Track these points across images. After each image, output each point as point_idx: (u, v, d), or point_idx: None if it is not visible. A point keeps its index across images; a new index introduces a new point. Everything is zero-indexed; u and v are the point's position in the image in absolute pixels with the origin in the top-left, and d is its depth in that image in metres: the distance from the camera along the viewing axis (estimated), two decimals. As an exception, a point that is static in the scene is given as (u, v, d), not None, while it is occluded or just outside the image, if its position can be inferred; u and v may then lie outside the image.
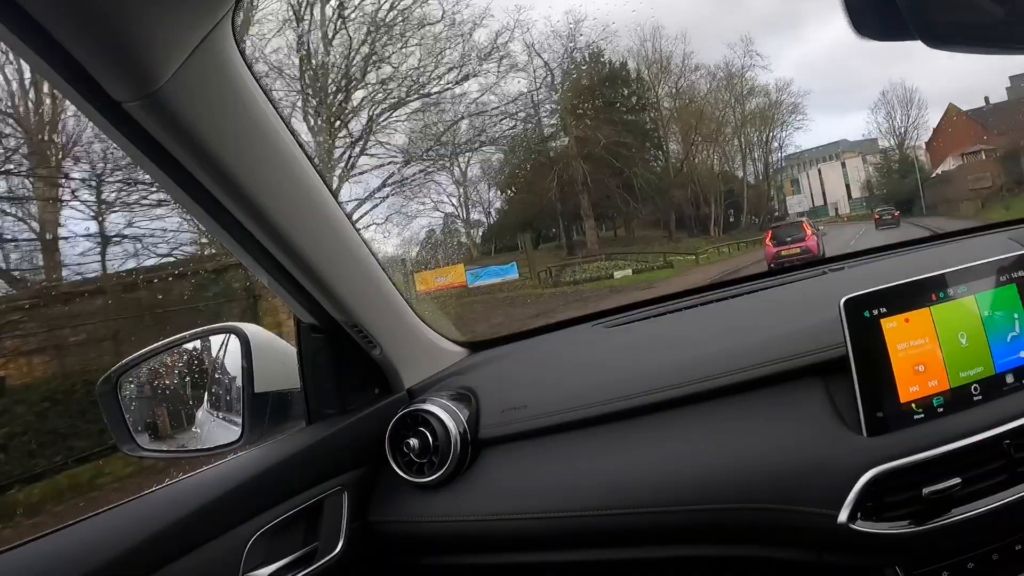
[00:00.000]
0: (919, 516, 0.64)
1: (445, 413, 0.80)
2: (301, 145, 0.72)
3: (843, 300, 0.68)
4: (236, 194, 0.64)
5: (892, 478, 0.64)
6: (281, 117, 0.68)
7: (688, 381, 0.76)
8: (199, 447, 0.94)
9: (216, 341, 0.91)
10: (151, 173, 0.62)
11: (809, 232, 9.71)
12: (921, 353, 0.69)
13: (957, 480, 0.64)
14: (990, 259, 0.75)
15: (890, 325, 0.69)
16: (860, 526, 0.63)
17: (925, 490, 0.63)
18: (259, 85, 0.64)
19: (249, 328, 0.87)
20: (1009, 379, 0.71)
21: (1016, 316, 0.73)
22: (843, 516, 0.64)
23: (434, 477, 0.78)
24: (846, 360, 0.68)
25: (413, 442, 0.79)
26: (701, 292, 1.11)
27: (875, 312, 0.69)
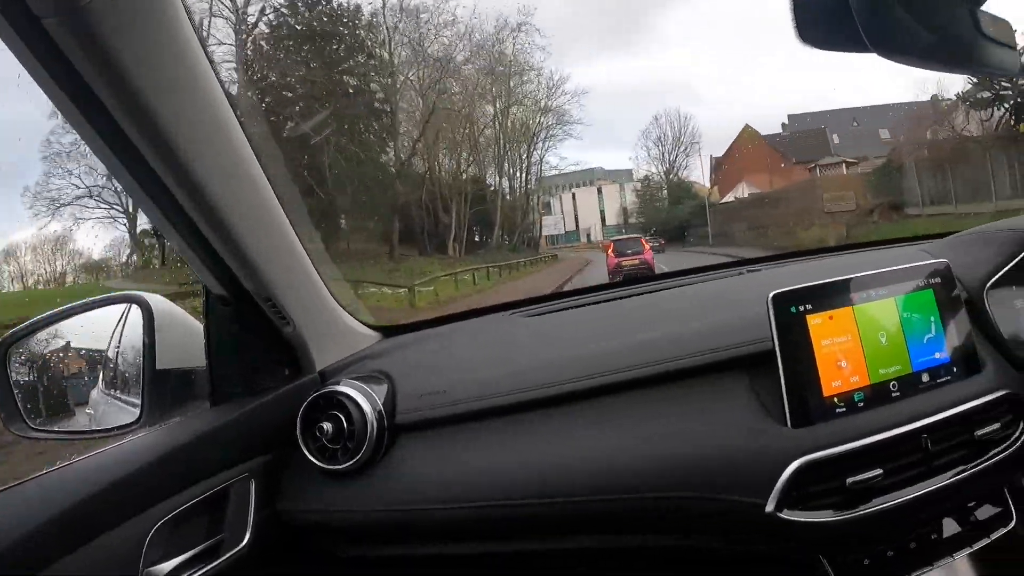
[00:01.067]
0: (842, 505, 0.66)
1: (361, 396, 0.75)
2: (231, 100, 0.66)
3: (771, 295, 0.68)
4: (154, 139, 0.57)
5: (817, 468, 0.65)
6: (212, 65, 0.62)
7: (613, 369, 0.75)
8: (94, 428, 0.85)
9: (116, 311, 0.82)
10: (60, 106, 0.54)
11: (647, 247, 11.01)
12: (844, 350, 0.71)
13: (879, 471, 0.66)
14: (910, 265, 0.78)
15: (815, 321, 0.70)
16: (787, 515, 0.64)
17: (849, 480, 0.65)
18: (193, 25, 0.58)
19: (153, 299, 0.79)
20: (925, 378, 0.73)
21: (932, 319, 0.76)
22: (770, 505, 0.64)
23: (348, 464, 0.73)
24: (771, 354, 0.68)
25: (327, 426, 0.73)
26: (620, 287, 1.11)
27: (801, 308, 0.70)
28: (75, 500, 0.58)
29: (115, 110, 0.55)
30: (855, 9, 0.49)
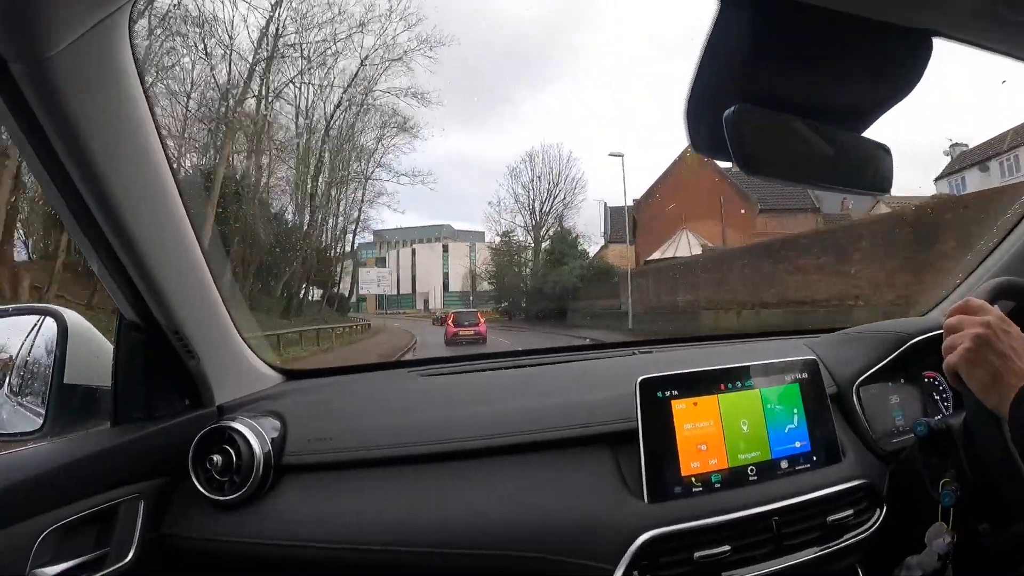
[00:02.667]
0: None
1: (252, 434, 0.79)
2: (166, 151, 0.71)
3: (640, 379, 0.75)
4: (88, 173, 0.62)
5: (667, 541, 0.70)
6: (154, 118, 0.68)
7: (490, 435, 0.80)
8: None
9: (29, 321, 0.84)
10: (12, 134, 0.60)
11: (482, 321, 12.86)
12: (705, 434, 0.77)
13: (727, 548, 0.71)
14: (778, 360, 0.85)
15: (679, 406, 0.76)
16: None
17: (696, 554, 0.70)
18: (141, 82, 0.64)
19: (68, 314, 0.81)
20: (784, 464, 0.80)
21: (795, 411, 0.83)
22: (619, 572, 0.69)
23: (233, 496, 0.76)
24: (636, 431, 0.74)
25: (216, 458, 0.77)
26: (513, 355, 1.17)
27: (667, 393, 0.76)
28: None
29: (56, 141, 0.60)
30: (727, 133, 0.54)
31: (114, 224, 0.67)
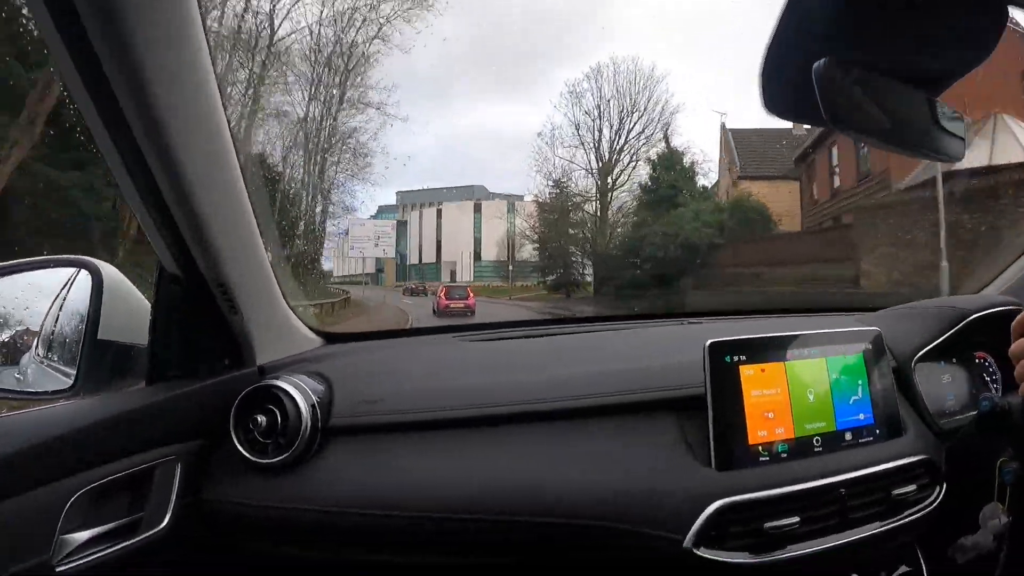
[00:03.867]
0: (758, 549, 0.68)
1: (299, 393, 0.75)
2: (222, 95, 0.67)
3: (708, 343, 0.72)
4: (143, 111, 0.59)
5: (737, 511, 0.68)
6: (211, 53, 0.64)
7: (549, 398, 0.77)
8: (23, 389, 0.83)
9: (63, 274, 0.80)
10: (65, 72, 0.56)
11: (471, 295, 12.85)
12: (772, 402, 0.74)
13: (796, 519, 0.69)
14: (845, 329, 0.82)
15: (747, 372, 0.73)
16: (703, 552, 0.66)
17: (766, 524, 0.68)
18: (203, 21, 0.61)
19: (104, 267, 0.77)
20: (848, 436, 0.77)
21: (860, 382, 0.80)
22: (688, 542, 0.66)
23: (278, 459, 0.72)
24: (702, 398, 0.71)
25: (260, 419, 0.73)
26: (561, 323, 1.14)
27: (735, 358, 0.73)
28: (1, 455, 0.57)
29: (115, 83, 0.56)
30: (817, 87, 0.52)
31: (166, 167, 0.63)
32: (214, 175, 0.68)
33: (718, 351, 0.72)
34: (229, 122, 0.69)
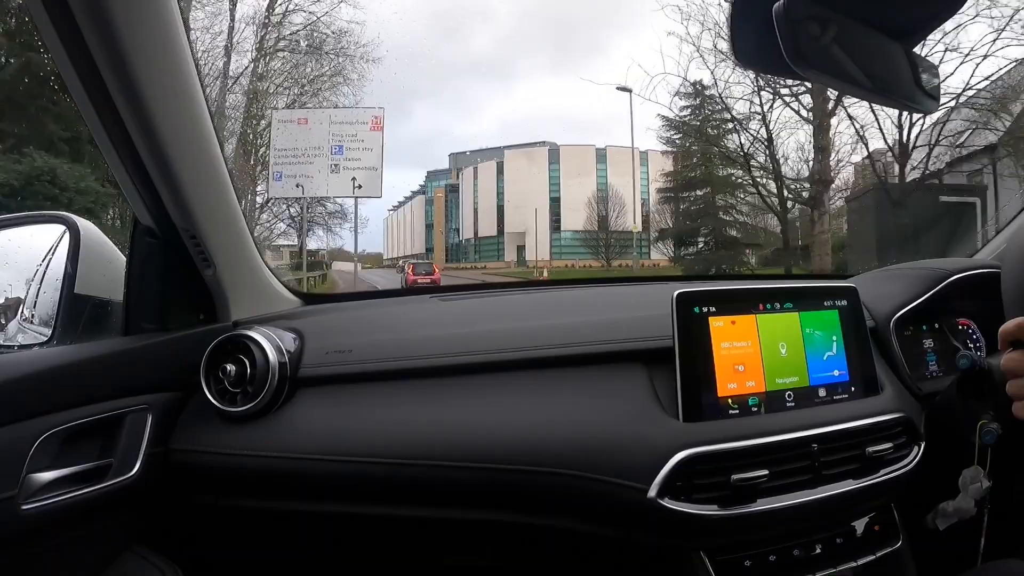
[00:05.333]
0: (725, 501, 0.68)
1: (267, 342, 0.75)
2: (192, 49, 0.68)
3: (676, 293, 0.72)
4: (116, 63, 0.60)
5: (703, 462, 0.67)
6: (185, 22, 0.65)
7: (517, 348, 0.77)
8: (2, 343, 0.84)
9: (42, 230, 0.81)
10: (35, 15, 0.57)
11: (436, 270, 11.90)
12: (743, 355, 0.74)
13: (764, 472, 0.68)
14: (819, 284, 0.82)
15: (717, 324, 0.73)
16: (668, 503, 0.66)
17: (733, 477, 0.67)
18: None
19: (83, 223, 0.79)
20: (821, 392, 0.77)
21: (834, 338, 0.79)
22: (653, 491, 0.66)
23: (246, 408, 0.73)
24: (671, 350, 0.71)
25: (230, 368, 0.74)
26: (534, 285, 1.14)
27: (705, 310, 0.73)
28: None
29: (88, 33, 0.57)
30: (778, 27, 0.52)
31: (138, 118, 0.64)
32: (186, 126, 0.69)
33: (686, 302, 0.72)
34: (202, 79, 0.70)
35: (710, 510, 0.67)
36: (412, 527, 0.76)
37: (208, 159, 0.73)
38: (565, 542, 0.75)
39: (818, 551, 0.75)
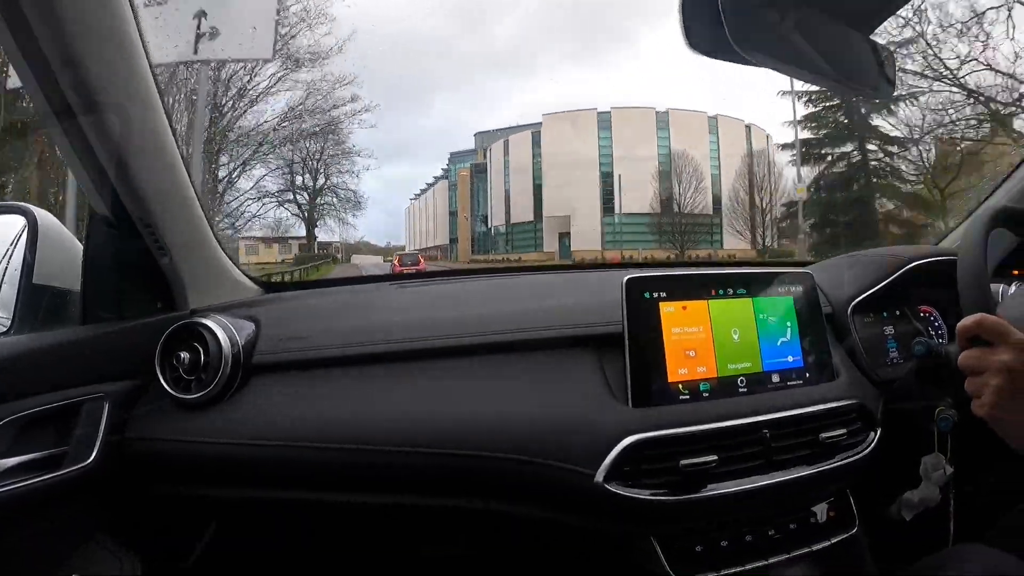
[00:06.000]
0: (675, 487, 0.68)
1: (220, 329, 0.76)
2: (140, 27, 0.68)
3: (626, 278, 0.72)
4: (63, 46, 0.59)
5: (651, 447, 0.68)
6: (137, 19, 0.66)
7: (468, 333, 0.77)
8: None
9: (11, 226, 0.82)
10: None
11: (421, 260, 12.38)
12: (694, 340, 0.74)
13: (714, 457, 0.68)
14: (773, 270, 0.82)
15: (667, 309, 0.73)
16: (615, 487, 0.66)
17: (682, 462, 0.67)
18: None
19: (40, 213, 0.79)
20: (775, 378, 0.77)
21: (788, 324, 0.80)
22: (600, 476, 0.66)
23: (199, 395, 0.74)
24: (622, 335, 0.71)
25: (184, 355, 0.75)
26: (495, 271, 1.15)
27: (655, 295, 0.73)
28: None
29: (35, 21, 0.57)
30: (722, 9, 0.51)
31: (86, 104, 0.64)
32: (136, 112, 0.69)
33: (636, 287, 0.72)
34: (151, 60, 0.70)
35: (659, 495, 0.68)
36: (376, 515, 0.77)
37: (160, 144, 0.73)
38: (528, 529, 0.76)
39: (772, 536, 0.76)
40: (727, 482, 0.70)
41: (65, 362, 0.71)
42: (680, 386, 0.72)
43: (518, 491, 0.71)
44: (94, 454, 0.71)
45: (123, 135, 0.68)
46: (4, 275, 0.85)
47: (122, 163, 0.70)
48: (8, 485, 0.64)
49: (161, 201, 0.75)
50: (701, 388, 0.73)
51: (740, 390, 0.75)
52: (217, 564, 0.84)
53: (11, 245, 0.85)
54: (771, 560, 0.75)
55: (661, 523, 0.71)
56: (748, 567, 0.74)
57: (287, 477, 0.73)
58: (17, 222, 0.82)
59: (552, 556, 0.81)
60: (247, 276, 0.96)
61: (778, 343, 0.79)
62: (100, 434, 0.72)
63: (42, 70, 0.61)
